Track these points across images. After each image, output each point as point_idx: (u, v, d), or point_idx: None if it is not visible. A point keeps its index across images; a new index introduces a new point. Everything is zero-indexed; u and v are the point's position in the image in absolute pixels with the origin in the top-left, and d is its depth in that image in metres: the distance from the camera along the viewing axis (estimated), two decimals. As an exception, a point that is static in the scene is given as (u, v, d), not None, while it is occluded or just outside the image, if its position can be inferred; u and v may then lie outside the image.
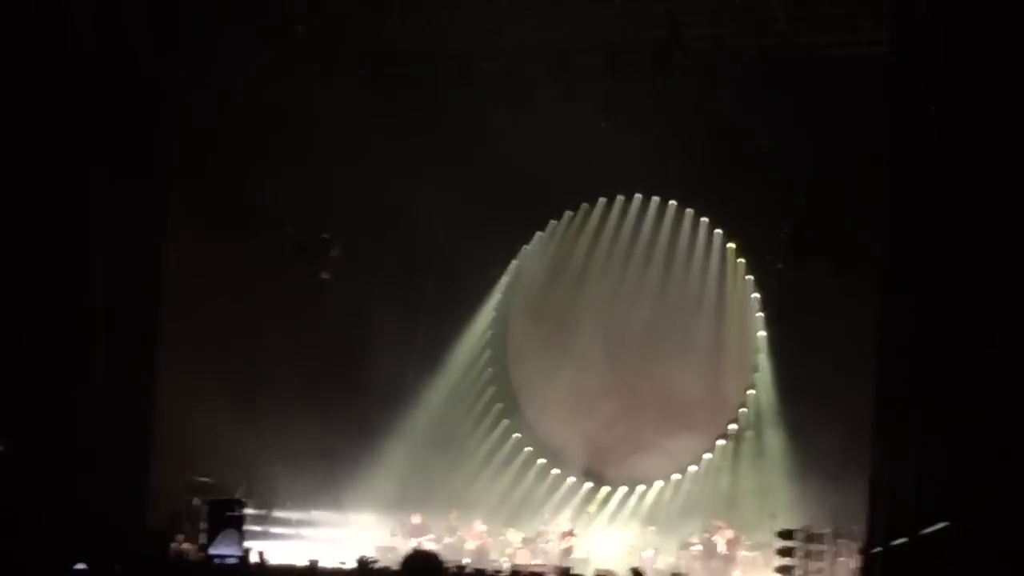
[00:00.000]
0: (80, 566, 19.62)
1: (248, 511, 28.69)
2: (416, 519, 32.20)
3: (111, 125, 24.44)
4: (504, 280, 35.31)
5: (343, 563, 26.58)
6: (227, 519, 25.11)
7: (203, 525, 26.92)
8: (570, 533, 31.73)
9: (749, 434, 32.82)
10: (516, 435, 34.95)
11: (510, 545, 32.17)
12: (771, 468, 31.52)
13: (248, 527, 28.69)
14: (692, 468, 33.33)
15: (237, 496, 28.59)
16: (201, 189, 27.62)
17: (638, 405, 32.95)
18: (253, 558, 24.59)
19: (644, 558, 30.61)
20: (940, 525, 15.08)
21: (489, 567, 28.94)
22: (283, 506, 31.19)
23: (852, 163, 27.68)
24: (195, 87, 26.88)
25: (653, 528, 32.33)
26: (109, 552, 21.40)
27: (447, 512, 32.70)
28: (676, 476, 33.42)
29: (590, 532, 32.89)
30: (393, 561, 27.57)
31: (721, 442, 33.24)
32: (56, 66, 23.21)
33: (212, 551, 24.57)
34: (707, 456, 33.26)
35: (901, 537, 17.35)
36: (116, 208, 24.60)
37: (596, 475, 33.96)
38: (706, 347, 33.21)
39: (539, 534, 32.12)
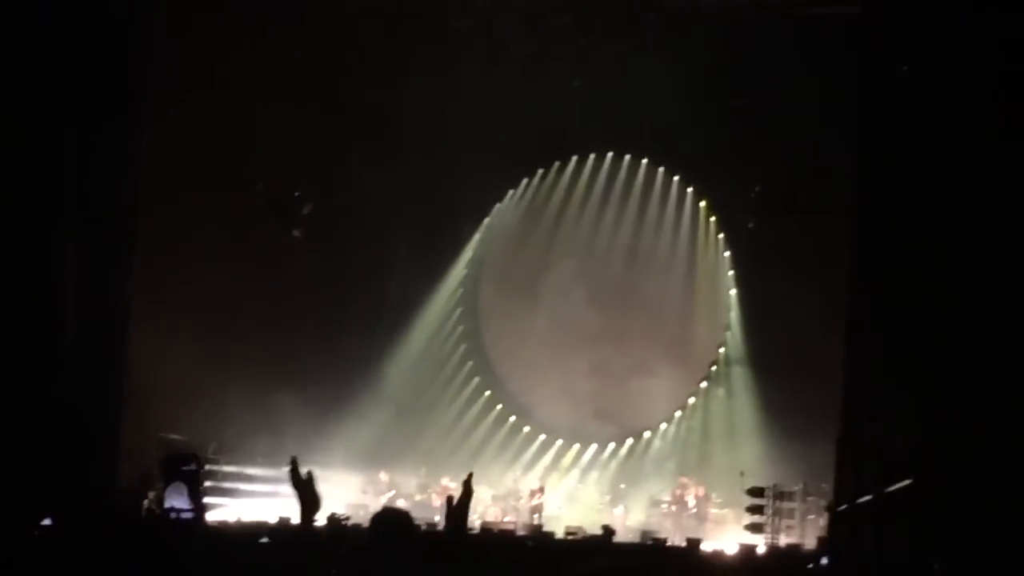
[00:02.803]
0: (46, 522, 19.63)
1: (220, 468, 28.83)
2: (384, 476, 32.26)
3: (83, 83, 24.34)
4: (476, 238, 35.29)
5: (314, 520, 26.64)
6: (181, 474, 24.99)
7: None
8: (540, 490, 31.83)
9: (719, 392, 32.93)
10: (487, 392, 34.99)
11: (481, 502, 32.26)
12: (741, 426, 31.64)
13: (217, 484, 28.83)
14: (663, 425, 33.44)
15: (209, 453, 28.67)
16: (173, 145, 27.53)
17: (609, 363, 33.03)
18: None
19: (614, 515, 30.76)
20: (904, 483, 15.19)
21: (460, 524, 29.00)
22: (254, 463, 31.20)
23: (824, 122, 27.65)
24: (166, 45, 26.78)
25: (623, 485, 32.45)
26: (80, 509, 21.40)
27: (418, 470, 32.77)
28: (647, 433, 33.52)
29: (561, 489, 33.01)
30: (364, 519, 27.68)
31: (692, 400, 33.34)
32: (31, 24, 23.12)
33: (167, 504, 24.45)
34: (678, 413, 33.38)
35: (867, 495, 17.46)
36: (87, 163, 24.52)
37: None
38: (677, 305, 33.28)
39: (510, 492, 32.19)
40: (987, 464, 13.37)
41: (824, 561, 20.80)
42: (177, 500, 23.74)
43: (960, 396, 14.23)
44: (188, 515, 23.32)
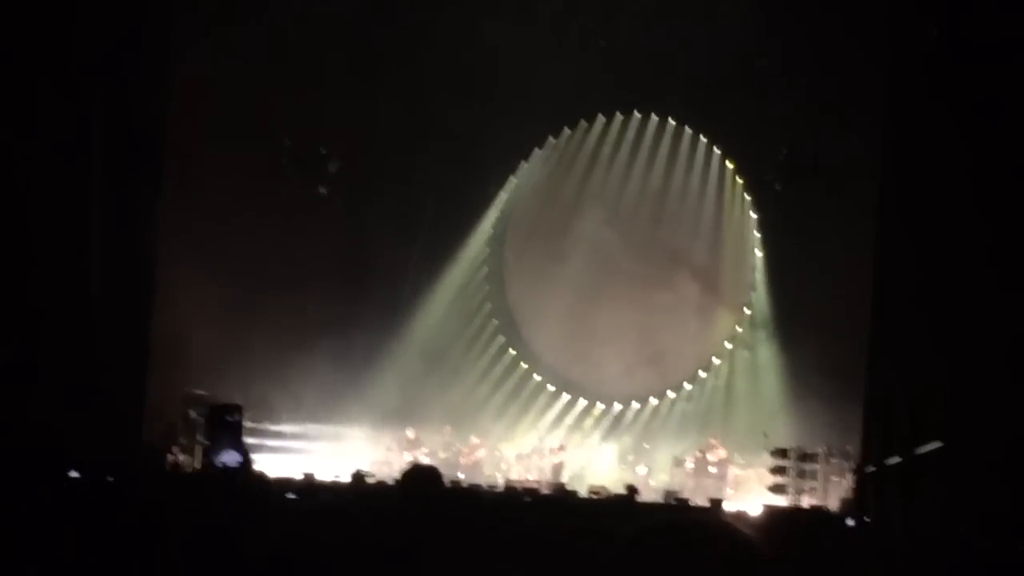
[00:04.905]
0: (73, 474, 19.69)
1: (244, 423, 28.88)
2: (411, 434, 32.31)
3: (110, 30, 24.29)
4: (502, 197, 35.17)
5: (338, 477, 26.71)
6: (226, 424, 25.23)
7: (200, 436, 27.09)
8: (560, 448, 31.85)
9: (744, 353, 32.87)
10: (512, 351, 34.97)
11: (505, 460, 32.32)
12: (766, 387, 31.61)
13: (246, 438, 28.93)
14: (687, 386, 33.41)
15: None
16: (200, 101, 27.49)
17: (634, 322, 32.99)
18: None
19: (638, 475, 30.78)
20: (934, 444, 15.15)
21: (484, 482, 29.08)
22: (279, 419, 31.26)
23: (852, 83, 27.53)
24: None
25: (647, 445, 32.45)
26: (105, 463, 21.46)
27: (442, 427, 32.79)
28: (671, 393, 33.49)
29: (585, 448, 33.03)
30: (388, 476, 27.75)
31: (716, 360, 33.29)
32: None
33: (216, 459, 24.69)
34: (702, 374, 33.34)
35: (895, 456, 17.44)
36: (115, 115, 24.49)
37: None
38: (703, 265, 33.20)
39: (534, 450, 32.23)
40: (1018, 426, 13.33)
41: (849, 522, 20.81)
42: (228, 455, 24.02)
43: (992, 357, 14.18)
44: (236, 464, 23.62)
